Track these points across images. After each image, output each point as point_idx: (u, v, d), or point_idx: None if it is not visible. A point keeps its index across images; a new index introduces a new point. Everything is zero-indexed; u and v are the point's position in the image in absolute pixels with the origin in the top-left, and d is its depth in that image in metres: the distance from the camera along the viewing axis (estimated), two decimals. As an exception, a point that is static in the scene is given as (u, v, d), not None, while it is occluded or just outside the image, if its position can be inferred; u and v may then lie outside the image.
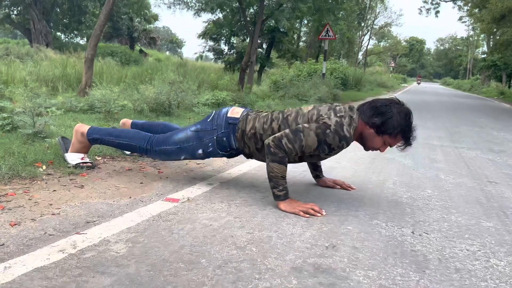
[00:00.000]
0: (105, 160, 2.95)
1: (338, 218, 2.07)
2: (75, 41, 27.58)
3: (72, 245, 1.54)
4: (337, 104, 2.28)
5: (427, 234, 1.95)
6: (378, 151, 2.31)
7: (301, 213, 2.06)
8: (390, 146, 2.26)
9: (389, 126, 2.15)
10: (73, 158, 2.63)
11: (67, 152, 2.67)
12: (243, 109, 2.50)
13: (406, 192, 2.67)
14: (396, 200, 2.48)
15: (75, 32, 29.05)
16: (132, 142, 2.56)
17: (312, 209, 2.09)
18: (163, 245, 1.61)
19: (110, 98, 4.57)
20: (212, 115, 2.50)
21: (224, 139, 2.40)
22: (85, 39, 28.79)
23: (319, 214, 2.07)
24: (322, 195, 2.48)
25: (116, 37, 28.74)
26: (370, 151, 2.35)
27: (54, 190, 2.20)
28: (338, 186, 2.65)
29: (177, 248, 1.59)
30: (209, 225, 1.85)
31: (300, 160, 2.34)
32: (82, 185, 2.32)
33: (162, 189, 2.38)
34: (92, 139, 2.61)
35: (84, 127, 2.63)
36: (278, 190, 2.13)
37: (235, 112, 2.45)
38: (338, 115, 2.15)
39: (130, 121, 3.02)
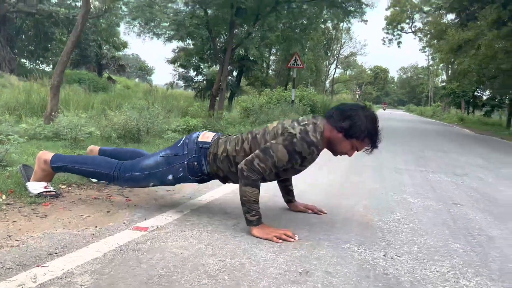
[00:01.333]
0: (70, 188, 2.84)
1: (311, 243, 2.05)
2: (40, 68, 26.99)
3: (32, 279, 1.45)
4: (302, 117, 2.33)
5: (398, 256, 1.96)
6: (347, 155, 2.33)
7: (274, 239, 2.03)
8: (358, 150, 2.30)
9: (357, 129, 2.18)
10: (35, 187, 2.52)
11: (29, 181, 2.56)
12: (214, 133, 2.49)
13: (376, 216, 2.70)
14: (366, 224, 2.50)
15: (41, 59, 28.51)
16: (99, 169, 2.48)
17: (285, 234, 2.07)
18: (131, 276, 1.54)
19: (77, 124, 4.45)
20: (183, 140, 2.47)
21: (195, 164, 2.37)
22: (51, 66, 28.28)
23: (292, 239, 2.06)
24: (294, 219, 2.47)
25: (83, 64, 28.36)
26: (339, 155, 2.36)
27: (14, 221, 2.08)
28: (310, 211, 2.65)
29: (145, 278, 1.52)
30: (180, 253, 1.80)
31: (277, 176, 2.33)
32: (45, 215, 2.21)
33: (130, 217, 2.31)
34: (56, 167, 2.51)
35: (47, 155, 2.53)
36: (251, 215, 2.10)
37: (206, 136, 2.43)
38: (301, 124, 2.20)
39: (98, 148, 2.94)
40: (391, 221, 2.60)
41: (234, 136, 2.40)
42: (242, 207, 2.13)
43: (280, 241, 2.03)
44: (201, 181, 2.49)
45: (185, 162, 2.37)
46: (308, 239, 2.12)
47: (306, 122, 2.21)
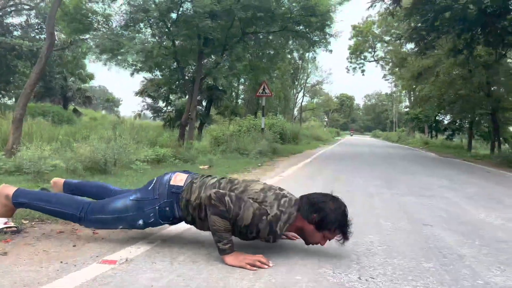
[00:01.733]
0: (33, 223, 2.70)
1: (286, 268, 2.02)
2: (2, 102, 26.17)
3: (-10, 321, 1.35)
4: (284, 193, 2.27)
5: (373, 278, 1.96)
6: (319, 244, 2.29)
7: (248, 266, 1.99)
8: (329, 240, 2.27)
9: (327, 222, 2.17)
10: (-5, 222, 2.38)
11: (-12, 216, 2.42)
12: (187, 175, 2.41)
13: (350, 239, 2.70)
14: (340, 247, 2.49)
15: (3, 92, 27.69)
16: (64, 209, 2.35)
17: (259, 261, 2.04)
18: (98, 311, 1.46)
19: (40, 157, 4.29)
20: (154, 182, 2.38)
21: (167, 209, 2.29)
22: (13, 99, 27.48)
23: (266, 266, 2.02)
24: (268, 245, 2.43)
25: (48, 97, 27.75)
26: (311, 245, 2.33)
27: (-29, 260, 1.95)
28: (284, 236, 2.62)
29: (114, 313, 1.44)
30: (150, 286, 1.73)
31: (232, 231, 2.23)
32: (5, 252, 2.09)
33: (97, 251, 2.21)
34: (18, 203, 2.39)
35: (9, 189, 2.41)
36: (222, 243, 2.06)
37: (179, 179, 2.34)
38: (280, 209, 2.15)
39: (62, 180, 2.81)
40: (364, 243, 2.61)
41: (211, 182, 2.30)
42: (213, 236, 2.09)
43: (254, 268, 1.99)
44: (172, 223, 2.42)
45: (156, 207, 2.28)
46: (283, 264, 2.09)
47: (284, 209, 2.16)
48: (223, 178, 2.37)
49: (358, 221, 3.31)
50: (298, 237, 2.63)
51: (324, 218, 2.16)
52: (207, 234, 2.61)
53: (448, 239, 2.84)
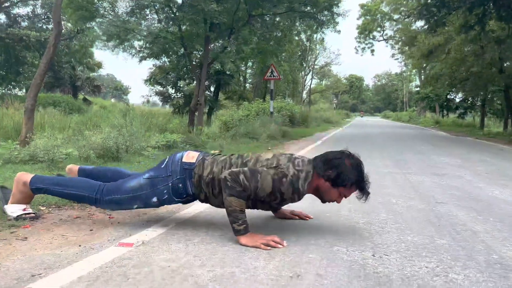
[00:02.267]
0: (50, 209, 2.76)
1: (300, 248, 2.04)
2: (13, 93, 26.43)
3: (15, 302, 1.39)
4: (295, 156, 2.30)
5: (387, 255, 1.97)
6: (335, 202, 2.31)
7: (262, 246, 2.02)
8: (345, 197, 2.29)
9: (343, 178, 2.18)
10: (13, 209, 2.44)
11: (6, 203, 2.47)
12: (198, 153, 2.43)
13: (362, 218, 2.72)
14: (353, 226, 2.51)
15: (13, 83, 27.93)
16: (80, 191, 2.40)
17: (273, 241, 2.06)
18: (118, 291, 1.49)
19: (54, 146, 4.35)
20: (166, 161, 2.41)
21: (180, 185, 2.32)
22: (24, 90, 27.72)
23: (280, 246, 2.04)
24: (281, 226, 2.46)
25: (58, 87, 27.93)
26: (328, 203, 2.35)
27: (-7, 245, 2.01)
28: (296, 217, 2.64)
29: (134, 293, 1.48)
30: (167, 266, 1.76)
31: (253, 205, 2.30)
32: (26, 237, 2.14)
33: (114, 234, 2.25)
34: (36, 189, 2.44)
35: (26, 176, 2.46)
36: (237, 224, 2.08)
37: (190, 156, 2.38)
38: (296, 168, 2.17)
39: (77, 167, 2.86)
40: (377, 222, 2.62)
41: (222, 158, 2.34)
42: (229, 217, 2.11)
43: (269, 248, 2.02)
44: (185, 202, 2.45)
45: (170, 184, 2.32)
46: (297, 244, 2.11)
47: (300, 168, 2.18)
48: (232, 154, 2.39)
49: (369, 200, 3.32)
50: (312, 217, 2.66)
51: (340, 174, 2.17)
52: (220, 216, 2.64)
53: (461, 216, 2.84)
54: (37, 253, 1.92)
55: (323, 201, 2.33)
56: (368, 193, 2.26)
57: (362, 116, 52.15)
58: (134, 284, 1.56)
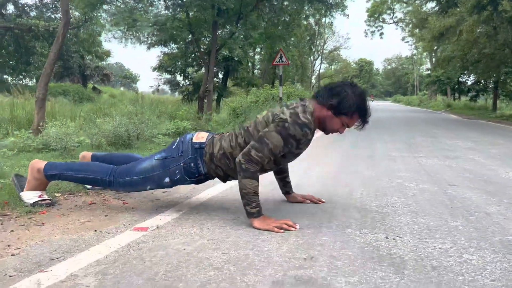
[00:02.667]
0: (65, 196, 2.80)
1: (313, 231, 2.06)
2: (23, 83, 26.65)
3: (36, 284, 1.43)
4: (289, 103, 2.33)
5: (400, 237, 1.97)
6: (338, 133, 2.33)
7: (275, 229, 2.03)
8: (348, 127, 2.29)
9: (345, 105, 2.17)
10: (29, 196, 2.48)
11: (22, 191, 2.52)
12: (208, 133, 2.47)
13: (374, 201, 2.72)
14: (365, 209, 2.51)
15: (23, 73, 28.13)
16: (94, 175, 2.44)
17: (286, 224, 2.07)
18: (135, 274, 1.52)
19: (66, 134, 4.40)
20: (177, 142, 2.44)
21: (192, 165, 2.34)
22: (34, 80, 27.93)
23: (293, 229, 2.06)
24: (293, 210, 2.47)
25: (67, 76, 28.09)
26: (331, 134, 2.36)
27: (12, 231, 2.05)
28: (308, 201, 2.65)
29: (151, 275, 1.51)
30: (182, 249, 1.79)
31: (276, 164, 2.32)
32: (43, 223, 2.18)
33: (129, 219, 2.28)
34: (50, 175, 2.48)
35: (40, 163, 2.49)
36: (251, 207, 2.10)
37: (200, 136, 2.40)
38: (290, 108, 2.20)
39: (90, 154, 2.89)
40: (389, 205, 2.62)
41: (228, 133, 2.39)
42: (242, 199, 2.13)
43: (282, 231, 2.03)
44: (198, 182, 2.47)
45: (181, 164, 2.34)
46: (310, 227, 2.12)
47: (294, 105, 2.22)
48: (234, 129, 2.41)
49: (381, 184, 3.32)
50: (324, 201, 2.67)
51: (342, 101, 2.17)
52: (232, 201, 2.66)
53: (474, 198, 2.82)
54: (55, 237, 1.96)
55: (326, 132, 2.33)
56: (367, 122, 2.27)
57: (372, 100, 51.84)
58: (151, 267, 1.59)
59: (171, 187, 2.45)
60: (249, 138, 2.23)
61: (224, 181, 2.46)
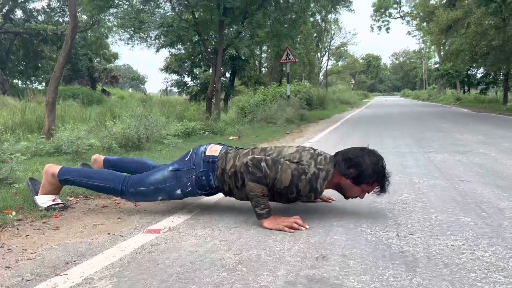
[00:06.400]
0: (78, 199, 2.85)
1: (323, 229, 2.06)
2: (33, 87, 26.96)
3: (53, 288, 1.46)
4: (319, 152, 2.30)
5: (411, 235, 1.97)
6: (358, 198, 2.33)
7: (286, 229, 2.04)
8: (368, 193, 2.30)
9: (365, 176, 2.19)
10: (43, 200, 2.52)
11: (37, 195, 2.56)
12: (221, 146, 2.47)
13: (385, 199, 2.71)
14: (376, 207, 2.51)
15: (32, 78, 28.46)
16: (106, 183, 2.46)
17: (296, 222, 2.08)
18: (150, 276, 1.55)
19: (77, 137, 4.45)
20: (190, 154, 2.45)
21: (203, 178, 2.35)
22: (43, 84, 28.25)
23: (303, 228, 2.07)
24: (304, 209, 2.48)
25: (76, 79, 28.36)
26: (350, 199, 2.37)
27: (27, 235, 2.09)
28: (319, 200, 2.66)
29: (165, 277, 1.53)
30: (195, 251, 1.81)
31: (271, 196, 2.26)
32: (57, 227, 2.22)
33: (141, 222, 2.31)
34: (64, 180, 2.51)
35: (54, 168, 2.53)
36: (260, 208, 2.11)
37: (214, 150, 2.41)
38: (318, 166, 2.18)
39: (102, 157, 2.93)
40: (400, 202, 2.62)
41: (244, 152, 2.35)
42: (251, 201, 2.14)
43: (292, 230, 2.04)
44: (208, 194, 2.49)
45: (193, 177, 2.36)
46: (321, 226, 2.13)
47: (322, 166, 2.19)
48: (255, 148, 2.41)
49: (391, 180, 3.29)
50: (334, 199, 2.67)
51: (362, 173, 2.18)
52: (242, 202, 2.67)
53: (486, 193, 2.80)
54: (70, 241, 1.99)
55: (346, 197, 2.35)
56: (385, 191, 2.27)
57: (383, 95, 51.16)
58: (164, 269, 1.61)
59: (182, 198, 2.47)
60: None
61: (225, 195, 2.45)
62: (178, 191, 2.38)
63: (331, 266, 1.60)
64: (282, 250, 1.79)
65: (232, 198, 2.81)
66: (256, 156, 2.15)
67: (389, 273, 1.53)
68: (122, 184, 2.43)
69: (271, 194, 2.24)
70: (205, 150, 2.41)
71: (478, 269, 1.56)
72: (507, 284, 1.44)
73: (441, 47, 32.49)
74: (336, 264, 1.62)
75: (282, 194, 2.21)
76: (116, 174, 2.50)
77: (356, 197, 2.32)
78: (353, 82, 57.58)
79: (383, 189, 2.25)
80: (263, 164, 2.11)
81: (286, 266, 1.61)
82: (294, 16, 12.48)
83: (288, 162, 2.15)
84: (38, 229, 2.19)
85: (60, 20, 24.70)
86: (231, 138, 6.84)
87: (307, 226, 2.10)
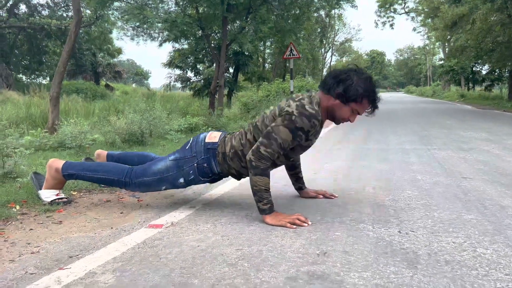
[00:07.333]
0: (82, 194, 2.86)
1: (325, 226, 2.07)
2: (37, 82, 27.04)
3: (56, 281, 1.47)
4: (297, 95, 2.28)
5: (413, 231, 1.97)
6: (349, 121, 2.29)
7: (288, 225, 2.05)
8: (359, 114, 2.24)
9: (353, 92, 2.12)
10: (47, 195, 2.54)
11: (41, 189, 2.58)
12: (221, 132, 2.48)
13: (387, 195, 2.71)
14: (378, 204, 2.51)
15: (36, 72, 28.52)
16: (110, 175, 2.48)
17: (298, 219, 2.09)
18: (152, 270, 1.56)
19: (80, 132, 4.47)
20: (190, 142, 2.46)
21: (205, 165, 2.37)
22: (48, 78, 28.31)
23: (305, 224, 2.07)
24: (306, 205, 2.48)
25: (80, 74, 28.38)
26: (342, 123, 2.32)
27: (31, 229, 2.11)
28: (321, 196, 2.66)
29: (167, 272, 1.54)
30: (197, 246, 1.82)
31: (287, 158, 2.31)
32: (61, 221, 2.23)
33: (143, 216, 2.33)
34: (68, 175, 2.53)
35: (58, 163, 2.55)
36: (262, 204, 2.12)
37: (213, 137, 2.42)
38: (296, 100, 2.17)
39: (105, 152, 2.94)
40: (402, 199, 2.62)
41: (238, 132, 2.41)
42: (254, 196, 2.15)
43: (294, 226, 2.05)
44: (212, 181, 2.50)
45: (195, 165, 2.37)
46: (322, 222, 2.13)
47: (300, 97, 2.19)
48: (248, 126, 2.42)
49: (394, 177, 3.31)
50: (337, 195, 2.67)
51: (349, 89, 2.12)
52: (245, 197, 2.69)
53: (489, 191, 2.80)
54: (73, 235, 2.01)
55: (336, 121, 2.29)
56: (376, 107, 2.22)
57: (388, 91, 50.79)
58: (166, 263, 1.62)
59: (185, 187, 2.48)
60: (258, 134, 2.24)
61: (239, 179, 2.48)
62: (181, 180, 2.40)
63: (332, 262, 1.61)
64: (284, 246, 1.79)
65: (234, 193, 2.83)
66: (253, 148, 2.15)
67: (390, 270, 1.53)
68: (126, 175, 2.44)
69: (285, 155, 2.25)
70: (205, 137, 2.42)
71: (480, 266, 1.56)
72: (508, 281, 1.44)
73: (446, 43, 32.30)
74: (337, 260, 1.63)
75: (295, 147, 2.21)
76: (120, 166, 2.51)
77: (347, 120, 2.25)
78: (357, 78, 57.18)
79: (374, 105, 2.19)
80: (262, 149, 2.11)
81: (288, 262, 1.61)
82: (298, 11, 12.43)
83: (274, 124, 2.14)
84: (41, 223, 2.20)
85: (64, 15, 24.69)
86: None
87: (310, 223, 2.10)
